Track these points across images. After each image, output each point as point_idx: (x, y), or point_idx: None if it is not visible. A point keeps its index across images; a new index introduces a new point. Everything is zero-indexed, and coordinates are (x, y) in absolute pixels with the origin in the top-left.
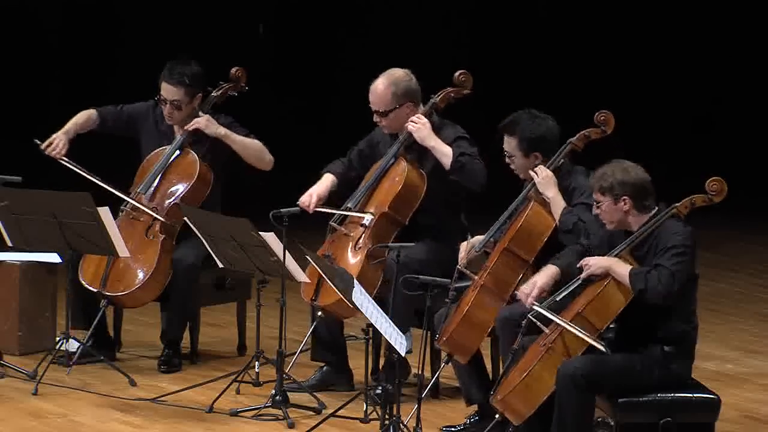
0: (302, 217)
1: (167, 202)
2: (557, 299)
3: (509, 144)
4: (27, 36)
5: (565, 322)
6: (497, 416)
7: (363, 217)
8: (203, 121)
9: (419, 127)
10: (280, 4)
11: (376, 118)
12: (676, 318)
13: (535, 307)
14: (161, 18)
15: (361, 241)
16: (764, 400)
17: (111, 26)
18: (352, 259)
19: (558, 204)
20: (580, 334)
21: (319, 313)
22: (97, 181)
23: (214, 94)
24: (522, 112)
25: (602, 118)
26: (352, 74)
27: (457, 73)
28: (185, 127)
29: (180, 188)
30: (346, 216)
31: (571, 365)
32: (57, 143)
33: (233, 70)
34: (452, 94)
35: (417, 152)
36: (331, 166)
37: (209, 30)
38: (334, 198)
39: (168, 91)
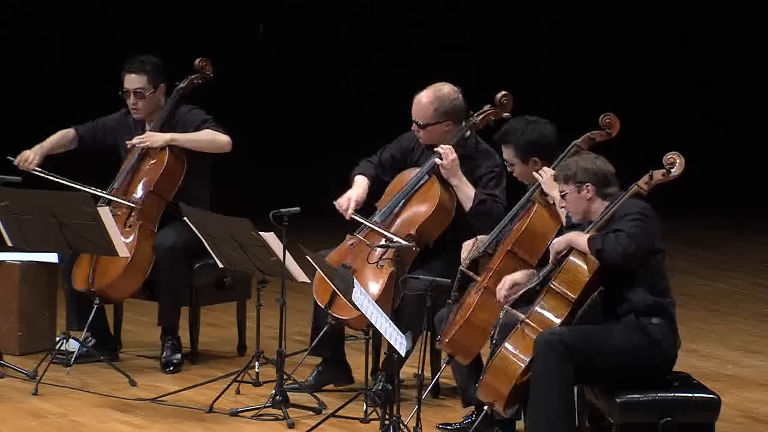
0: (302, 217)
1: (142, 192)
2: (531, 287)
3: (507, 153)
4: (26, 38)
5: (526, 319)
6: (485, 408)
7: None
8: (147, 140)
9: (445, 164)
10: (280, 4)
11: (414, 127)
12: (646, 290)
13: (506, 307)
14: (161, 18)
15: (383, 260)
16: (764, 400)
17: (109, 28)
18: (373, 280)
19: None
20: (547, 315)
21: (330, 320)
22: (72, 184)
23: (180, 86)
24: (515, 120)
25: (607, 120)
26: (353, 74)
27: (499, 95)
28: (133, 147)
29: (151, 176)
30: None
31: (548, 332)
32: (28, 157)
33: (197, 60)
34: (492, 116)
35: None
36: (361, 167)
37: (209, 30)
38: (364, 203)
39: (130, 80)
